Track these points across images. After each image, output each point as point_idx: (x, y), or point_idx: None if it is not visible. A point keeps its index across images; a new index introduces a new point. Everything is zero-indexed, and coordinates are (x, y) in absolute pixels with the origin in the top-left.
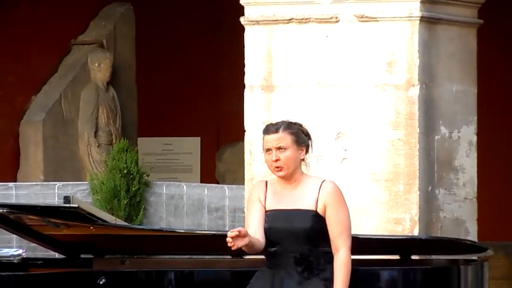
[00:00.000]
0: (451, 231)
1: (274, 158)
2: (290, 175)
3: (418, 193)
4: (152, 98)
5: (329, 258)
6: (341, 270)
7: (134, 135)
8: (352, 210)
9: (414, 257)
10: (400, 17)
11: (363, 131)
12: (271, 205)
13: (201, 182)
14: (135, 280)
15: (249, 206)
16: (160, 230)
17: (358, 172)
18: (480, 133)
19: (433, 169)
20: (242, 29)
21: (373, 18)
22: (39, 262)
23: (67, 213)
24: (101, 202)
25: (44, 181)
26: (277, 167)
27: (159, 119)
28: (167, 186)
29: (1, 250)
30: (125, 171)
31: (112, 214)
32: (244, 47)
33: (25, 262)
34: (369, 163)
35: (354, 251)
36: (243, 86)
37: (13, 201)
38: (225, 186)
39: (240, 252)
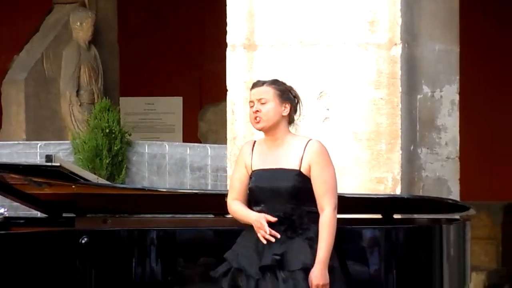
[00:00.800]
0: (433, 191)
1: (254, 110)
2: (270, 130)
3: (400, 152)
4: (134, 57)
5: (313, 217)
6: (326, 229)
7: (116, 95)
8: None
9: (396, 216)
10: None
11: (345, 90)
12: (257, 165)
13: (183, 141)
14: (117, 239)
15: (235, 167)
16: (142, 189)
17: (340, 132)
18: (462, 93)
19: (415, 129)
20: None
21: None
22: (21, 221)
23: (49, 172)
24: (83, 161)
25: (26, 140)
26: (256, 118)
27: (141, 78)
28: (149, 146)
29: None
30: (107, 130)
31: (94, 173)
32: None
33: (7, 221)
34: (351, 123)
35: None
36: (226, 46)
37: None
38: (208, 146)
39: (222, 211)
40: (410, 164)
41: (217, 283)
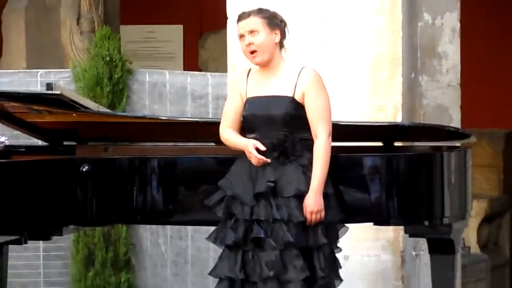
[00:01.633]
0: (434, 118)
1: (246, 43)
2: (267, 61)
3: (401, 80)
4: None
5: (306, 145)
6: (320, 155)
7: (117, 23)
8: (334, 98)
9: (397, 144)
10: None
11: (346, 18)
12: (251, 93)
13: (184, 70)
14: (118, 167)
15: (230, 95)
16: (143, 117)
17: (341, 59)
18: (463, 20)
19: (416, 56)
20: None
21: None
22: (22, 149)
23: (50, 100)
24: (84, 90)
25: (27, 68)
26: (252, 52)
27: (142, 6)
28: (150, 74)
29: None
30: (108, 59)
31: (95, 102)
32: None
33: (8, 150)
34: (352, 50)
35: (337, 138)
36: None
37: None
38: (208, 74)
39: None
40: (411, 92)
41: (213, 211)
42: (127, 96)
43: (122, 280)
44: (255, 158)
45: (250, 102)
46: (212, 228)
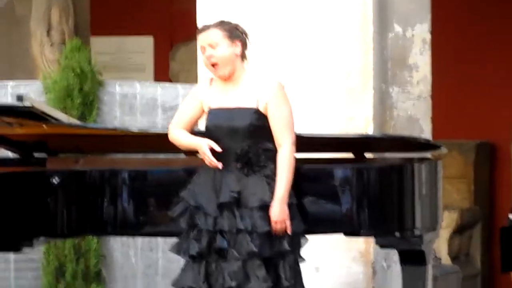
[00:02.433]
0: (405, 129)
1: (207, 54)
2: (229, 74)
3: (372, 91)
4: None
5: (270, 155)
6: (284, 165)
7: (87, 34)
8: (305, 109)
9: (368, 155)
10: None
11: (317, 29)
12: (214, 103)
13: (154, 81)
14: (89, 179)
15: (188, 100)
16: (114, 129)
17: (312, 70)
18: (434, 31)
19: (387, 68)
20: None
21: None
22: None
23: (20, 112)
24: (54, 101)
25: None
26: (213, 65)
27: (112, 18)
28: (120, 86)
29: None
30: (78, 70)
31: (66, 113)
32: None
33: None
34: (323, 62)
35: (308, 149)
36: None
37: None
38: (179, 85)
39: (194, 151)
40: (382, 103)
41: (176, 222)
42: (98, 107)
43: None
44: (208, 159)
45: (214, 114)
46: None
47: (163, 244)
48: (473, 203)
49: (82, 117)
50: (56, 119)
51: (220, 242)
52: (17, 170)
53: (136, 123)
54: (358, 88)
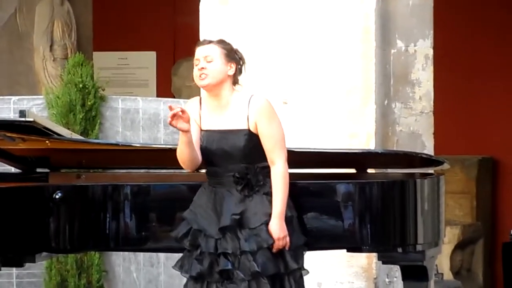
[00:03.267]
0: (407, 145)
1: (200, 67)
2: (215, 89)
3: (374, 107)
4: (108, 12)
5: (267, 172)
6: (279, 182)
7: (90, 49)
8: (308, 124)
9: (370, 170)
10: None
11: (319, 44)
12: (206, 125)
13: (157, 96)
14: (91, 194)
15: None
16: (116, 144)
17: (314, 86)
18: (436, 47)
19: (389, 83)
20: None
21: None
22: None
23: (23, 127)
24: (57, 116)
25: None
26: (201, 75)
27: (115, 33)
28: (123, 101)
29: None
30: (81, 85)
31: (68, 128)
32: None
33: None
34: (325, 77)
35: (310, 165)
36: None
37: None
38: (181, 101)
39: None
40: (384, 119)
41: (179, 243)
42: (100, 123)
43: None
44: (173, 111)
45: (207, 136)
46: None
47: (165, 259)
48: (475, 218)
49: (84, 132)
50: (58, 134)
51: (224, 264)
52: (20, 185)
53: (139, 138)
54: (360, 104)
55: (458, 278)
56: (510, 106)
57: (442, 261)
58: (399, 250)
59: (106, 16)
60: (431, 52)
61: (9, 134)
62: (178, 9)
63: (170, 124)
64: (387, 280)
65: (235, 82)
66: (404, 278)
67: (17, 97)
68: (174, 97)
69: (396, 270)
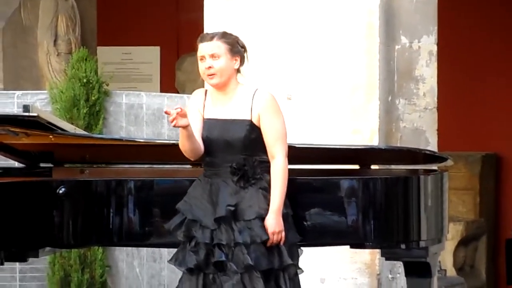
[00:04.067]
0: (411, 141)
1: (207, 66)
2: (223, 84)
3: (378, 103)
4: (112, 6)
5: (265, 167)
6: (278, 176)
7: (94, 44)
8: (312, 120)
9: (373, 167)
10: None
11: (323, 40)
12: (209, 114)
13: (161, 91)
14: (95, 189)
15: (188, 114)
16: (120, 139)
17: (318, 82)
18: (440, 43)
19: (393, 79)
20: None
21: None
22: None
23: (27, 122)
24: (61, 111)
25: (4, 89)
26: (210, 75)
27: (119, 28)
28: (126, 96)
29: None
30: (85, 80)
31: (72, 123)
32: None
33: None
34: (329, 73)
35: (314, 161)
36: None
37: None
38: (185, 96)
39: (199, 162)
40: (388, 115)
41: (173, 234)
42: (104, 118)
43: None
44: (171, 113)
45: (209, 124)
46: None
47: (167, 255)
48: (478, 215)
49: (88, 127)
50: (62, 129)
51: (218, 255)
52: (23, 179)
53: (142, 133)
54: (364, 100)
55: (461, 275)
56: None
57: (445, 257)
58: (403, 246)
59: (110, 11)
60: (435, 48)
61: (12, 129)
62: (182, 4)
63: (175, 126)
64: (390, 276)
65: (238, 71)
66: (407, 274)
67: (21, 92)
68: (178, 92)
69: (399, 266)
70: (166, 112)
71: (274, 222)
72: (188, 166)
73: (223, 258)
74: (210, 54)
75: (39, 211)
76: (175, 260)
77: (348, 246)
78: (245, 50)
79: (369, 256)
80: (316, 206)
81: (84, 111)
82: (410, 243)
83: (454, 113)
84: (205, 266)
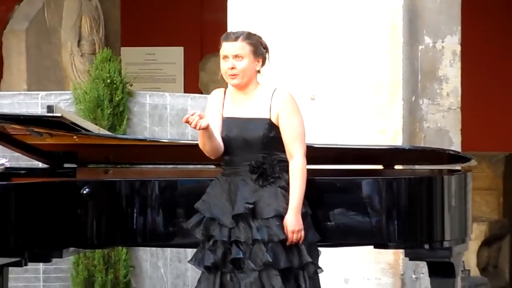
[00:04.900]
0: (434, 141)
1: (230, 66)
2: (244, 85)
3: (401, 103)
4: (135, 7)
5: (284, 166)
6: (297, 175)
7: (117, 45)
8: (336, 121)
9: (397, 167)
10: None
11: (347, 40)
12: (228, 113)
13: (184, 92)
14: (119, 190)
15: (208, 113)
16: (144, 140)
17: (342, 82)
18: (464, 43)
19: (417, 79)
20: None
21: None
22: (22, 171)
23: (51, 123)
24: (84, 112)
25: (27, 90)
26: (232, 75)
27: (143, 28)
28: (150, 96)
29: None
30: (109, 81)
31: (96, 124)
32: None
33: (8, 172)
34: (353, 73)
35: (338, 161)
36: None
37: None
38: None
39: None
40: (412, 115)
41: (191, 233)
42: (128, 118)
43: None
44: (190, 117)
45: (228, 123)
46: None
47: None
48: (502, 215)
49: (112, 128)
50: (86, 130)
51: (236, 252)
52: (47, 180)
53: (166, 133)
54: (388, 100)
55: (484, 275)
56: None
57: (469, 257)
58: (426, 246)
59: (134, 11)
60: (458, 48)
61: (37, 129)
62: (205, 4)
63: (199, 129)
64: (413, 276)
65: (258, 72)
66: (431, 274)
67: (45, 93)
68: (201, 92)
69: (423, 267)
70: (186, 121)
71: (293, 221)
72: (212, 166)
73: (241, 255)
74: (234, 55)
75: (63, 211)
76: (194, 260)
77: (371, 246)
78: (267, 51)
79: (392, 256)
80: (340, 206)
81: (108, 112)
82: (434, 243)
83: (477, 113)
84: (222, 265)
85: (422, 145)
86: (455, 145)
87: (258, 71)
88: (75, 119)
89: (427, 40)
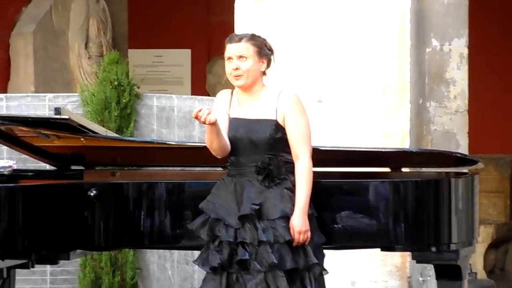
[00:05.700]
0: (442, 144)
1: (234, 67)
2: (249, 86)
3: (409, 105)
4: (143, 9)
5: (290, 167)
6: (303, 176)
7: (125, 47)
8: (343, 123)
9: (404, 169)
10: None
11: (354, 42)
12: (235, 113)
13: (191, 94)
14: (126, 192)
15: (215, 111)
16: (151, 142)
17: (349, 85)
18: (471, 46)
19: (424, 82)
20: None
21: None
22: (29, 173)
23: (58, 125)
24: (92, 114)
25: (35, 92)
26: (236, 76)
27: (150, 31)
28: (158, 98)
29: None
30: (116, 83)
31: (103, 126)
32: None
33: (16, 174)
34: (361, 76)
35: (345, 163)
36: None
37: (3, 112)
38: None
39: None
40: (419, 118)
41: (196, 234)
42: (135, 120)
43: None
44: (198, 112)
45: (234, 123)
46: None
47: None
48: (509, 217)
49: (119, 130)
50: (93, 132)
51: (242, 254)
52: (55, 182)
53: (174, 135)
54: (395, 102)
55: (491, 277)
56: None
57: (475, 260)
58: (433, 249)
59: (141, 13)
60: (466, 51)
61: (44, 132)
62: (212, 7)
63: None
64: (421, 279)
65: (264, 73)
66: (438, 277)
67: (52, 95)
68: (208, 95)
69: (430, 269)
70: (196, 116)
71: (300, 221)
72: (219, 168)
73: (247, 257)
74: (237, 56)
75: (70, 213)
76: (199, 261)
77: (379, 249)
78: (272, 53)
79: (399, 259)
80: (347, 209)
81: (115, 114)
82: (441, 246)
83: (484, 115)
84: (228, 266)
85: (429, 147)
86: (462, 148)
87: (264, 73)
88: (83, 121)
89: (435, 42)
